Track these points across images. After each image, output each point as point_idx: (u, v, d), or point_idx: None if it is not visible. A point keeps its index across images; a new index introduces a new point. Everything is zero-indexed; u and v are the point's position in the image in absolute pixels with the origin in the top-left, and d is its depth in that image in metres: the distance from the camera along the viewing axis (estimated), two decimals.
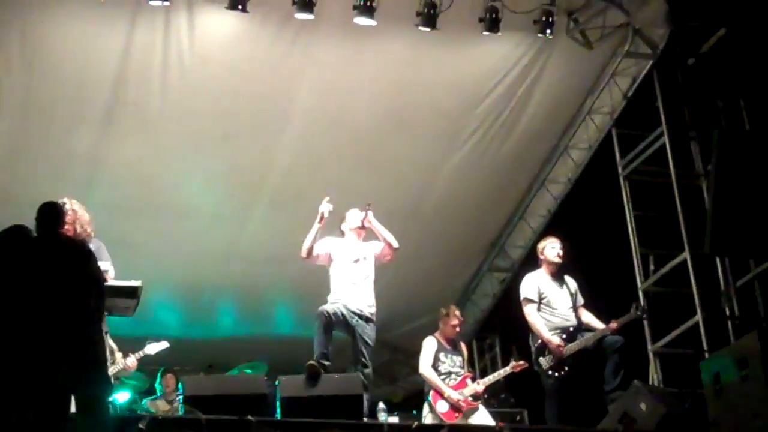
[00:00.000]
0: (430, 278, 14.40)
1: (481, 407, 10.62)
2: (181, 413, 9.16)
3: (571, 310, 10.27)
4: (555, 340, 10.04)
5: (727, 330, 11.98)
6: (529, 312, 10.25)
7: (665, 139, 12.66)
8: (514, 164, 13.55)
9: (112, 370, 9.52)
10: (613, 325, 10.11)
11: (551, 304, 10.24)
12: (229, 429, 8.14)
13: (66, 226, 8.69)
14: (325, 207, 9.91)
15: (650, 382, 11.92)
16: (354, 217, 10.13)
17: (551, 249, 10.43)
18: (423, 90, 12.31)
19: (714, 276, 12.34)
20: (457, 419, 10.32)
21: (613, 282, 12.60)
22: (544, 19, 11.53)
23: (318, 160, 12.67)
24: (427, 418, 10.51)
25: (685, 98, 12.73)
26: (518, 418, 12.53)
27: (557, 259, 10.37)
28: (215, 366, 13.28)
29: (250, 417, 8.20)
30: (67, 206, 8.91)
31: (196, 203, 12.75)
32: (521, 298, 10.36)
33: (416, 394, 12.29)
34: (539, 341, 10.15)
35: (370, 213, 10.03)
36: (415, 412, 11.82)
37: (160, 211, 12.60)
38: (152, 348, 11.31)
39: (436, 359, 10.63)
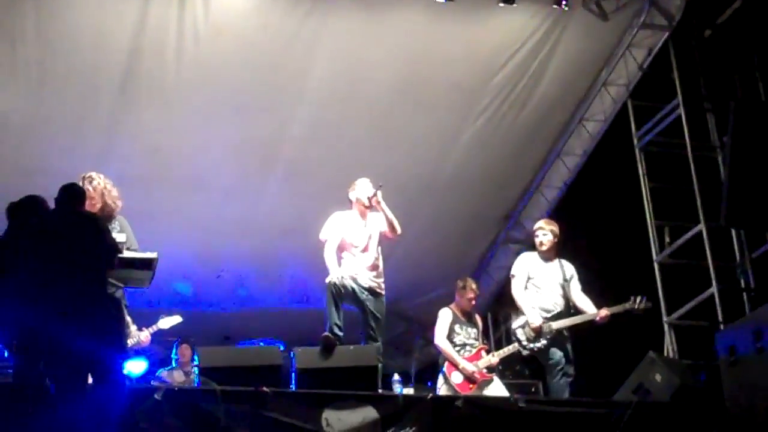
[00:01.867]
0: (446, 250, 14.38)
1: (496, 379, 10.64)
2: (196, 384, 9.21)
3: (561, 295, 10.14)
4: (535, 317, 9.99)
5: (743, 302, 11.99)
6: (514, 288, 10.23)
7: (681, 110, 12.63)
8: (529, 136, 13.50)
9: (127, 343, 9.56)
10: (604, 312, 9.97)
11: (539, 285, 10.18)
12: (245, 400, 8.16)
13: (95, 200, 8.79)
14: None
15: (665, 354, 11.93)
16: (364, 187, 9.99)
17: (536, 237, 10.40)
18: (438, 62, 12.26)
19: (729, 248, 12.34)
20: (471, 390, 10.35)
21: (629, 254, 12.60)
22: None
23: (332, 133, 12.64)
24: (442, 390, 10.54)
25: (701, 70, 12.69)
26: (533, 389, 12.52)
27: (541, 247, 10.31)
28: (231, 338, 13.30)
29: (265, 388, 8.24)
30: (95, 181, 8.98)
31: (210, 175, 12.72)
32: (510, 274, 10.37)
33: (431, 366, 12.30)
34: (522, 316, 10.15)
35: (379, 193, 9.93)
36: (430, 383, 11.85)
37: (174, 183, 12.60)
38: (166, 322, 11.31)
39: (452, 331, 10.65)
